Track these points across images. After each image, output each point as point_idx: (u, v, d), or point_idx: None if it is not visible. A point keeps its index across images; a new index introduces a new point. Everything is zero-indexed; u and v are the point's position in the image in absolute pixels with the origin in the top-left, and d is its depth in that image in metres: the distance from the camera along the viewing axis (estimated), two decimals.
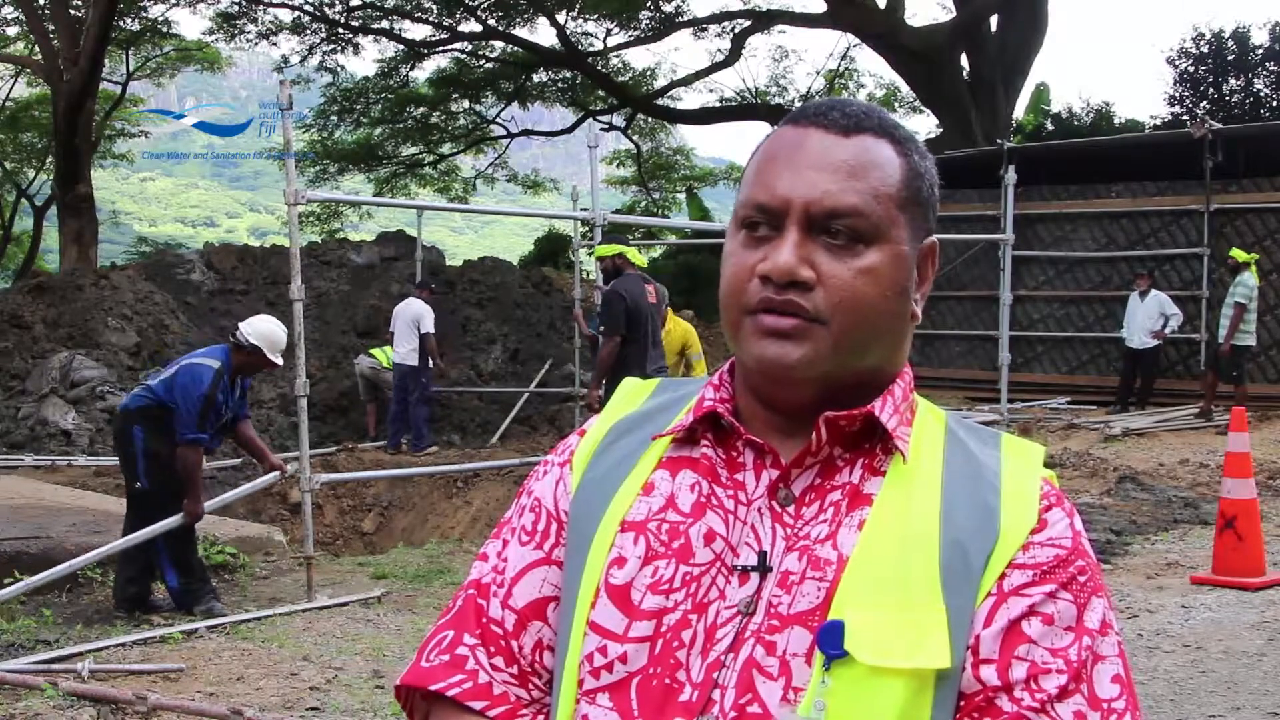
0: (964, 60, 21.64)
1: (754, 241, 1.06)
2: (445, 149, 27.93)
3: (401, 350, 11.91)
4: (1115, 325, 14.53)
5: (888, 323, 1.06)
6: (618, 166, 30.67)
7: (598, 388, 7.71)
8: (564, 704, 1.05)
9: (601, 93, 26.89)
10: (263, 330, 6.47)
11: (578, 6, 24.42)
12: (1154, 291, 13.63)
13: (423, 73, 27.63)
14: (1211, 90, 22.55)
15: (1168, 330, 13.62)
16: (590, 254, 9.25)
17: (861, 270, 1.03)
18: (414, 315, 11.97)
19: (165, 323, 13.51)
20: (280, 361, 6.61)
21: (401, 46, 26.00)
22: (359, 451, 11.76)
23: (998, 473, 1.05)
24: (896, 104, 26.38)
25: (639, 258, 8.13)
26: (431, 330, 12.06)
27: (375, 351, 12.85)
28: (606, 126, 27.27)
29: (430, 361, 12.09)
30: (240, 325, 6.56)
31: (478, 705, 1.08)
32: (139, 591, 6.27)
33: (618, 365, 7.50)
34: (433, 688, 1.09)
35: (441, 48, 26.32)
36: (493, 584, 1.13)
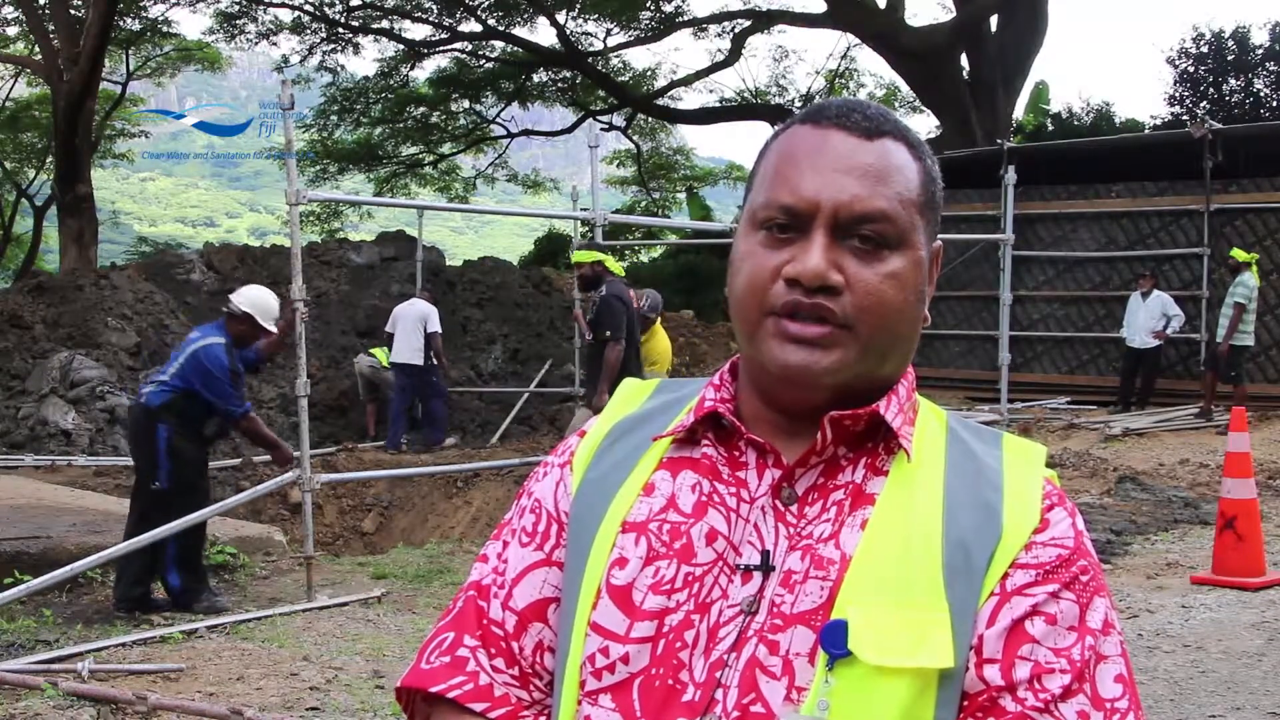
0: (964, 60, 21.63)
1: (776, 243, 1.04)
2: (445, 149, 27.94)
3: (405, 350, 11.94)
4: (1115, 325, 14.54)
5: (908, 327, 1.06)
6: (618, 166, 30.67)
7: (606, 393, 7.58)
8: (566, 705, 1.05)
9: (601, 93, 26.90)
10: (253, 297, 6.52)
11: (578, 6, 24.42)
12: (1156, 292, 13.65)
13: (423, 73, 27.69)
14: (1211, 90, 22.56)
15: (1169, 331, 13.63)
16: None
17: (888, 275, 1.03)
18: (420, 315, 12.04)
19: (165, 323, 13.50)
20: (274, 329, 6.61)
21: (401, 46, 26.01)
22: (359, 451, 11.76)
23: (999, 472, 1.05)
24: (896, 104, 26.37)
25: (617, 265, 8.06)
26: (439, 329, 12.17)
27: (376, 351, 12.87)
28: (606, 126, 27.26)
29: (435, 361, 12.15)
30: (231, 296, 6.63)
31: (479, 707, 1.08)
32: (143, 592, 6.27)
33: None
34: (433, 689, 1.09)
35: (441, 48, 26.33)
36: (493, 585, 1.13)
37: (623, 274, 8.05)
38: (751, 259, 1.05)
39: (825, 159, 1.04)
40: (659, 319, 9.69)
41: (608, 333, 7.61)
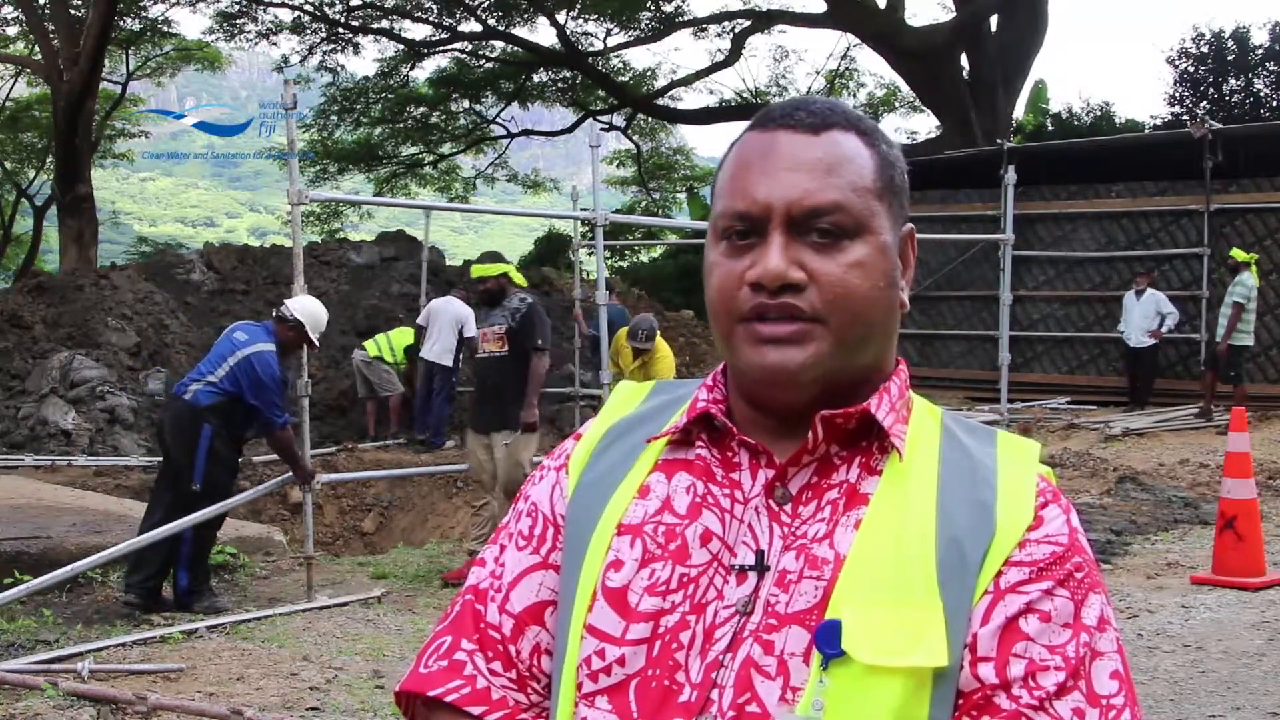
0: (964, 60, 21.62)
1: (737, 250, 1.05)
2: (445, 149, 27.90)
3: (436, 348, 12.06)
4: (1115, 325, 14.54)
5: (882, 314, 1.06)
6: (618, 166, 30.64)
7: (534, 408, 7.16)
8: (563, 707, 1.05)
9: (601, 93, 26.87)
10: (308, 308, 6.55)
11: (578, 6, 24.41)
12: (1150, 290, 13.69)
13: (423, 73, 27.64)
14: (1211, 90, 22.55)
15: (1164, 329, 13.68)
16: (589, 254, 9.16)
17: (851, 264, 1.03)
18: (457, 317, 12.17)
19: (165, 323, 13.51)
20: (317, 344, 6.64)
21: (401, 46, 25.99)
22: (359, 451, 11.76)
23: (994, 470, 1.05)
24: (896, 104, 26.36)
25: (521, 277, 7.51)
26: (475, 334, 12.31)
27: (367, 343, 12.86)
28: (606, 126, 27.23)
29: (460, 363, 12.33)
30: (286, 301, 6.62)
31: (476, 710, 1.08)
32: (156, 585, 6.26)
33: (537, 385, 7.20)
34: (431, 693, 1.09)
35: (441, 48, 26.30)
36: (490, 589, 1.13)
37: (526, 285, 7.38)
38: (718, 269, 1.06)
39: (773, 160, 1.05)
40: (654, 342, 9.67)
41: (539, 342, 7.12)
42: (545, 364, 7.18)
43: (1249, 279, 12.31)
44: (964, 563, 0.99)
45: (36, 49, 22.21)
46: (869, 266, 1.04)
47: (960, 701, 0.98)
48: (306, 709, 4.66)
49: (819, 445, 1.05)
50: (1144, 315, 13.62)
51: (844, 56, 27.01)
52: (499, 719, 1.08)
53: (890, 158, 1.09)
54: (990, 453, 1.08)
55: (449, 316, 12.14)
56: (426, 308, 12.53)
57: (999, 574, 1.00)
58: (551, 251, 24.43)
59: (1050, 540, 1.02)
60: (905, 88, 25.04)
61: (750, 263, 1.04)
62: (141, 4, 24.02)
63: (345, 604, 6.47)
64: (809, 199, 1.03)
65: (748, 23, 24.99)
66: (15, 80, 26.90)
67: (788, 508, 1.05)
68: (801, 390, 1.04)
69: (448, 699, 1.08)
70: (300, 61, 25.38)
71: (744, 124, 1.12)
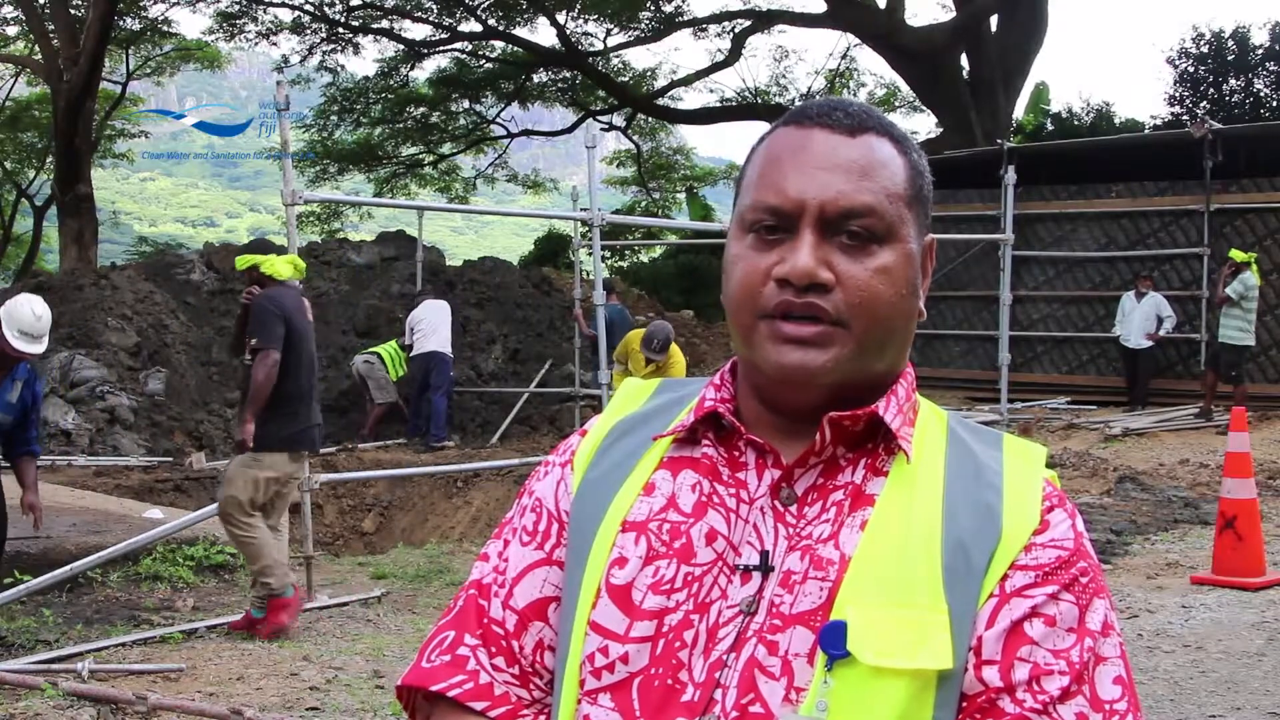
0: (964, 60, 21.62)
1: (765, 244, 1.05)
2: (445, 149, 27.90)
3: (434, 340, 12.31)
4: (1114, 325, 14.55)
5: (902, 321, 1.06)
6: (618, 166, 30.65)
7: (252, 420, 5.82)
8: (565, 704, 1.05)
9: (601, 93, 26.87)
10: (8, 307, 5.55)
11: (578, 6, 24.41)
12: (1152, 293, 13.73)
13: (423, 73, 27.64)
14: (1211, 90, 22.53)
15: (1162, 332, 13.71)
16: (589, 254, 9.12)
17: (878, 270, 1.03)
18: (447, 310, 12.57)
19: (165, 323, 13.50)
20: (19, 347, 5.50)
21: (401, 46, 26.00)
22: (359, 451, 11.76)
23: (1000, 473, 1.05)
24: (896, 104, 26.34)
25: (284, 267, 6.16)
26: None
27: (381, 350, 12.90)
28: (607, 126, 27.23)
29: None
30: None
31: (479, 705, 1.08)
32: None
33: (273, 396, 5.84)
34: (434, 688, 1.09)
35: (441, 48, 26.31)
36: (494, 584, 1.13)
37: (291, 275, 6.18)
38: (742, 262, 1.06)
39: (808, 158, 1.05)
40: (667, 353, 9.59)
41: (253, 340, 5.90)
42: (265, 368, 5.80)
43: (1250, 278, 12.32)
44: (970, 566, 0.99)
45: (36, 49, 22.21)
46: (895, 273, 1.04)
47: (964, 704, 0.98)
48: (306, 709, 4.66)
49: (826, 447, 1.05)
50: (1144, 317, 13.66)
51: (844, 56, 27.02)
52: (501, 715, 1.08)
53: (920, 167, 1.09)
54: (996, 456, 1.08)
55: (442, 311, 12.38)
56: (410, 315, 12.65)
57: (1004, 577, 0.99)
58: (552, 251, 24.45)
59: (1056, 544, 1.02)
60: (905, 88, 25.04)
61: (777, 259, 1.03)
62: (141, 4, 24.03)
63: (345, 604, 6.47)
64: (843, 200, 1.03)
65: (748, 23, 24.99)
66: (15, 80, 26.90)
67: (793, 508, 1.05)
68: (815, 392, 1.04)
69: (450, 694, 1.08)
70: (300, 61, 25.39)
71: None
